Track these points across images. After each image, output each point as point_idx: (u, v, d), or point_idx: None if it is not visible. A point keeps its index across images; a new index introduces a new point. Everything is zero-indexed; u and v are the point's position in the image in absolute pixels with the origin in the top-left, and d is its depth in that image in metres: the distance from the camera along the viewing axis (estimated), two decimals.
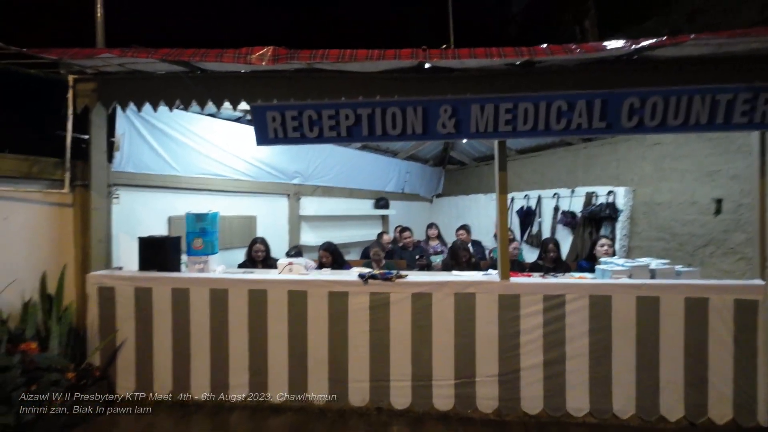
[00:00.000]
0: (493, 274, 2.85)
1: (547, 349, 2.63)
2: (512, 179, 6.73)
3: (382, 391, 2.74)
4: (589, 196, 5.03)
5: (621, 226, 4.70)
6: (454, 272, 3.30)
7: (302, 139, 2.77)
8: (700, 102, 2.44)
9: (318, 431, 2.58)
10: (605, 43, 2.37)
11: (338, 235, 5.67)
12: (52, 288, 2.78)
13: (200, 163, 3.99)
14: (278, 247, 4.44)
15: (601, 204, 4.82)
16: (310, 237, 5.25)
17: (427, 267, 4.82)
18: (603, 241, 3.60)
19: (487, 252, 5.41)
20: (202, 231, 3.20)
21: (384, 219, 6.93)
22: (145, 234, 3.10)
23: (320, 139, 2.75)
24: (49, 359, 2.51)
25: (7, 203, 2.71)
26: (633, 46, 2.26)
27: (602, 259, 3.19)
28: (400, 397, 2.73)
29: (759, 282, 2.53)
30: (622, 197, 4.73)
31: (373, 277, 2.75)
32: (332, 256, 3.80)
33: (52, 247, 2.92)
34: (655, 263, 2.87)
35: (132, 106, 2.86)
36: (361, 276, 2.77)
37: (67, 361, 2.61)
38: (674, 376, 2.54)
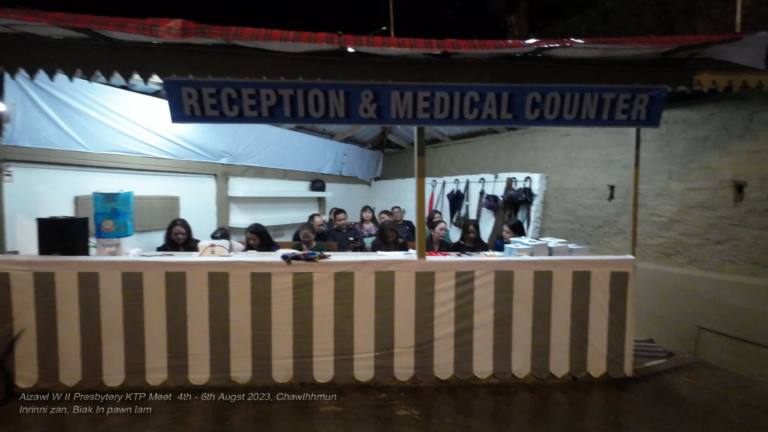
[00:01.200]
0: (413, 254, 3.03)
1: (457, 320, 2.89)
2: (445, 164, 7.06)
3: (306, 366, 2.85)
4: (510, 181, 5.44)
5: (535, 209, 5.17)
6: (380, 252, 3.45)
7: (222, 118, 2.69)
8: (590, 99, 2.75)
9: (242, 408, 2.63)
10: (509, 41, 2.58)
11: (272, 218, 5.61)
12: None
13: (113, 139, 3.70)
14: (206, 230, 4.30)
15: (519, 189, 5.24)
16: (241, 219, 5.12)
17: (361, 249, 4.96)
18: (506, 227, 3.96)
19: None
20: (113, 212, 3.02)
21: (321, 201, 6.93)
22: (49, 215, 2.85)
23: (241, 118, 2.70)
24: None
25: None
26: (533, 46, 2.48)
27: (512, 239, 3.52)
28: (323, 371, 2.86)
29: (630, 257, 2.98)
30: (537, 183, 5.18)
31: (296, 257, 2.81)
32: (260, 238, 3.77)
33: None
34: (553, 242, 3.24)
35: (23, 72, 2.58)
36: (284, 257, 2.81)
37: None
38: (562, 338, 2.93)
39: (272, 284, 2.81)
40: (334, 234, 5.17)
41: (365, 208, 5.69)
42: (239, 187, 5.07)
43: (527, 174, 5.28)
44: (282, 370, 2.84)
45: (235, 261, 2.83)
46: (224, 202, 4.92)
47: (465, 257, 3.04)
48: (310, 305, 2.83)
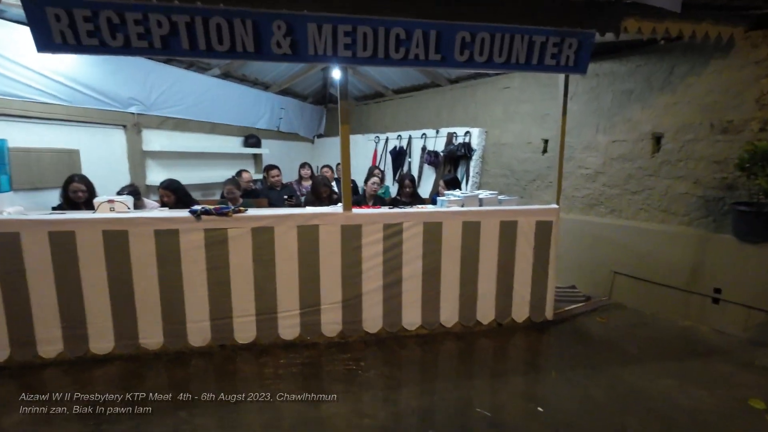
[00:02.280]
0: (339, 207, 2.87)
1: (386, 273, 2.82)
2: (389, 120, 6.84)
3: (225, 328, 2.67)
4: (450, 136, 5.36)
5: (474, 164, 5.17)
6: (309, 207, 3.25)
7: (103, 48, 2.25)
8: (520, 42, 2.63)
9: (153, 375, 2.43)
10: None
11: (200, 175, 5.16)
12: None
13: None
14: (117, 187, 3.83)
15: (458, 144, 5.19)
16: (161, 176, 4.61)
17: (297, 207, 4.72)
18: (441, 182, 3.90)
19: (360, 190, 5.51)
20: None
21: (257, 158, 6.49)
22: None
23: (128, 49, 2.28)
24: None
25: None
26: None
27: (445, 192, 3.46)
28: (245, 332, 2.70)
29: (554, 206, 3.03)
30: (476, 137, 5.14)
31: (206, 212, 2.53)
32: (174, 195, 3.41)
33: None
34: (484, 194, 3.22)
35: None
36: (192, 211, 2.52)
37: None
38: (489, 287, 2.98)
39: (181, 242, 2.53)
40: (267, 192, 4.86)
41: (303, 165, 5.39)
42: (155, 140, 4.54)
43: (467, 129, 5.22)
44: (198, 333, 2.64)
45: (134, 217, 2.50)
46: (138, 158, 4.39)
47: (393, 210, 2.93)
48: (226, 264, 2.61)
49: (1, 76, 3.21)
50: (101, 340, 2.53)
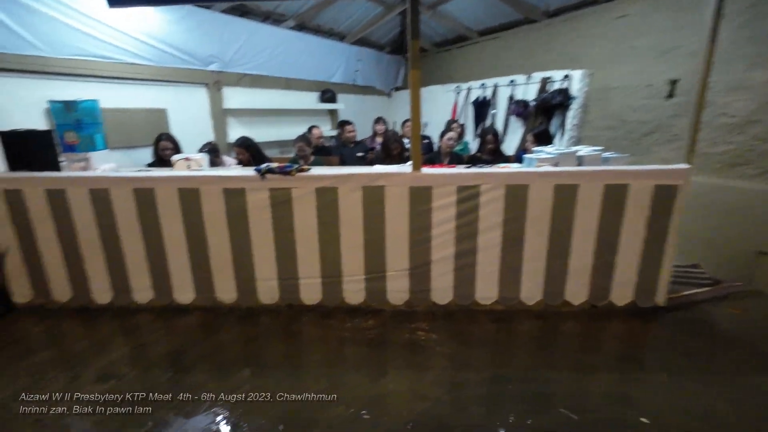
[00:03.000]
0: (408, 166, 2.58)
1: (459, 240, 2.51)
2: (470, 66, 6.14)
3: (292, 288, 2.66)
4: (544, 82, 4.59)
5: (573, 114, 4.39)
6: (377, 166, 3.02)
7: None
8: None
9: (229, 325, 2.53)
10: None
11: (276, 132, 5.21)
12: None
13: (77, 42, 3.28)
14: (199, 145, 4.01)
15: (554, 91, 4.42)
16: (240, 133, 4.74)
17: (371, 164, 4.54)
18: (529, 136, 3.32)
19: (435, 147, 5.13)
20: (76, 123, 2.72)
21: (332, 114, 6.38)
22: (17, 128, 2.60)
23: None
24: None
25: None
26: None
27: (534, 148, 2.94)
28: (310, 293, 2.66)
29: (683, 166, 2.36)
30: (577, 82, 4.32)
31: (270, 171, 2.44)
32: (248, 152, 3.43)
33: None
34: (584, 150, 2.65)
35: None
36: (257, 170, 2.45)
37: None
38: (583, 262, 2.51)
39: (247, 201, 2.50)
40: (340, 149, 4.74)
41: (378, 120, 5.13)
42: (234, 98, 4.62)
43: (566, 72, 4.40)
44: (267, 291, 2.67)
45: (205, 176, 2.52)
46: (219, 115, 4.54)
47: (470, 170, 2.54)
48: (291, 225, 2.53)
49: (95, 39, 3.40)
50: (183, 291, 2.69)
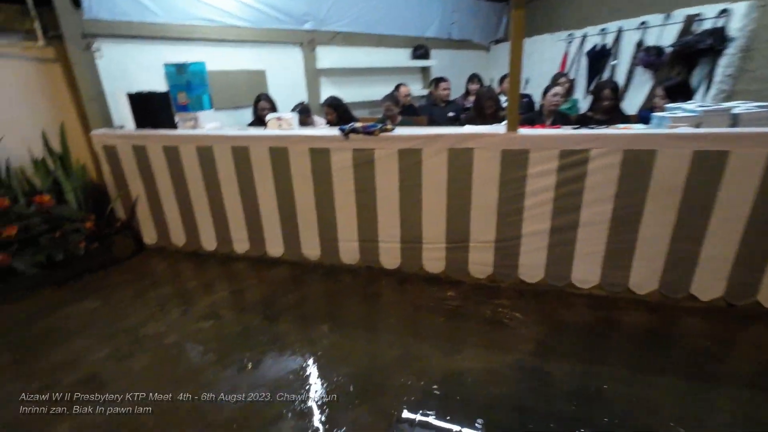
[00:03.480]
0: (500, 126, 2.29)
1: (557, 214, 2.20)
2: (588, 8, 5.21)
3: (372, 251, 2.65)
4: (690, 21, 3.67)
5: (727, 61, 3.47)
6: (467, 126, 2.75)
7: None
8: None
9: (312, 281, 2.66)
10: None
11: (367, 92, 5.14)
12: (56, 146, 2.89)
13: (186, 6, 3.51)
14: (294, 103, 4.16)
15: (702, 32, 3.51)
16: (332, 93, 4.78)
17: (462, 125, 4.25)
18: (659, 90, 2.67)
19: (537, 107, 4.57)
20: (186, 84, 2.97)
21: (425, 72, 6.06)
22: (140, 90, 2.94)
23: None
24: (66, 210, 2.75)
25: None
26: None
27: (665, 105, 2.37)
28: (390, 257, 2.62)
29: None
30: (739, 19, 3.36)
31: (354, 131, 2.38)
32: (336, 112, 3.41)
33: (49, 106, 2.94)
34: (742, 107, 2.04)
35: None
36: (341, 130, 2.41)
37: (85, 213, 2.84)
38: (722, 249, 2.01)
39: (332, 161, 2.50)
40: (430, 109, 4.49)
41: (472, 78, 4.71)
42: (326, 57, 4.62)
43: (724, 6, 3.43)
44: (348, 252, 2.71)
45: (293, 135, 2.56)
46: (312, 75, 4.59)
47: (578, 131, 2.15)
48: (373, 187, 2.47)
49: (203, 3, 3.61)
50: (274, 245, 2.87)
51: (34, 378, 1.85)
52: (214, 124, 3.11)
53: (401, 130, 2.41)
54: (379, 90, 5.33)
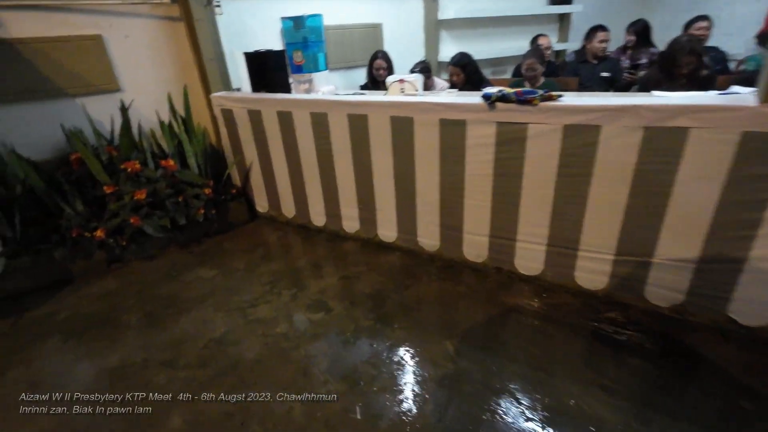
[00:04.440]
0: (745, 96, 1.52)
1: None
2: None
3: (506, 250, 2.14)
4: None
5: None
6: (657, 93, 1.98)
7: None
8: None
9: (428, 277, 2.28)
10: None
11: (491, 48, 4.39)
12: (179, 109, 2.87)
13: None
14: (409, 63, 3.67)
15: None
16: (452, 50, 4.15)
17: (623, 89, 3.34)
18: None
19: (733, 65, 3.41)
20: (303, 41, 2.66)
21: (563, 21, 5.00)
22: (260, 48, 2.75)
23: None
24: (188, 175, 2.75)
25: (120, 20, 2.65)
26: None
27: None
28: (529, 261, 2.10)
29: None
30: None
31: (504, 98, 1.82)
32: (463, 72, 2.84)
33: (174, 67, 2.91)
34: None
35: None
36: (485, 97, 1.86)
37: (204, 179, 2.82)
38: None
39: (467, 137, 1.99)
40: (574, 66, 3.63)
41: (632, 26, 3.65)
42: (450, 6, 3.96)
43: None
44: (474, 247, 2.25)
45: (420, 102, 2.09)
46: (433, 29, 3.99)
47: None
48: (519, 172, 1.92)
49: None
50: (387, 228, 2.54)
51: (159, 349, 1.84)
52: (329, 87, 2.80)
53: (571, 99, 1.78)
54: (504, 45, 4.54)
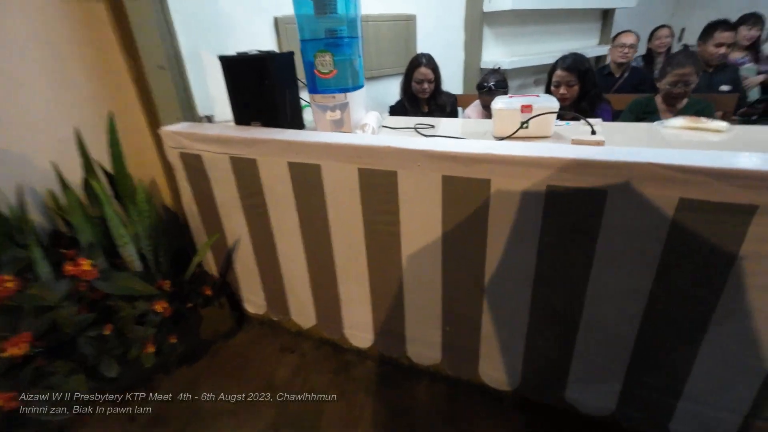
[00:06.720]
0: None
1: None
2: None
3: None
4: None
5: None
6: None
7: None
8: None
9: None
10: None
11: (540, 50, 3.42)
12: (100, 156, 1.60)
13: None
14: (449, 69, 2.59)
15: None
16: (494, 53, 3.11)
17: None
18: None
19: None
20: (331, 37, 1.47)
21: (606, 18, 4.13)
22: (249, 50, 1.54)
23: None
24: (124, 281, 1.49)
25: None
26: None
27: None
28: None
29: None
30: None
31: None
32: (581, 83, 1.78)
33: (87, 80, 1.63)
34: None
35: None
36: None
37: (154, 280, 1.57)
38: None
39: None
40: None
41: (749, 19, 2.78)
42: None
43: None
44: None
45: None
46: (476, 25, 2.92)
47: None
48: None
49: None
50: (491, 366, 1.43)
51: None
52: (373, 114, 1.64)
53: None
54: (553, 47, 3.59)
